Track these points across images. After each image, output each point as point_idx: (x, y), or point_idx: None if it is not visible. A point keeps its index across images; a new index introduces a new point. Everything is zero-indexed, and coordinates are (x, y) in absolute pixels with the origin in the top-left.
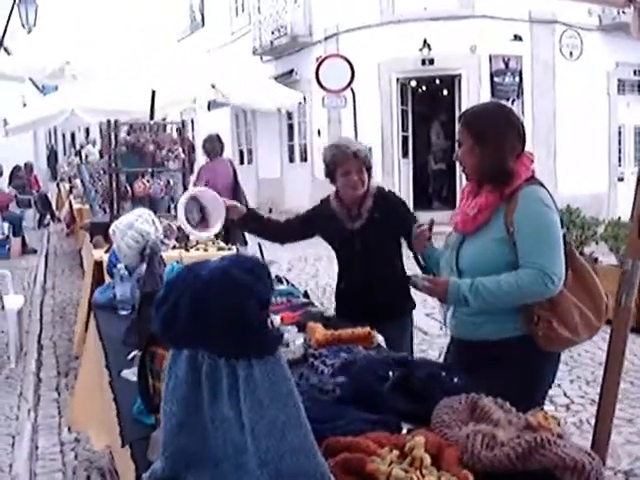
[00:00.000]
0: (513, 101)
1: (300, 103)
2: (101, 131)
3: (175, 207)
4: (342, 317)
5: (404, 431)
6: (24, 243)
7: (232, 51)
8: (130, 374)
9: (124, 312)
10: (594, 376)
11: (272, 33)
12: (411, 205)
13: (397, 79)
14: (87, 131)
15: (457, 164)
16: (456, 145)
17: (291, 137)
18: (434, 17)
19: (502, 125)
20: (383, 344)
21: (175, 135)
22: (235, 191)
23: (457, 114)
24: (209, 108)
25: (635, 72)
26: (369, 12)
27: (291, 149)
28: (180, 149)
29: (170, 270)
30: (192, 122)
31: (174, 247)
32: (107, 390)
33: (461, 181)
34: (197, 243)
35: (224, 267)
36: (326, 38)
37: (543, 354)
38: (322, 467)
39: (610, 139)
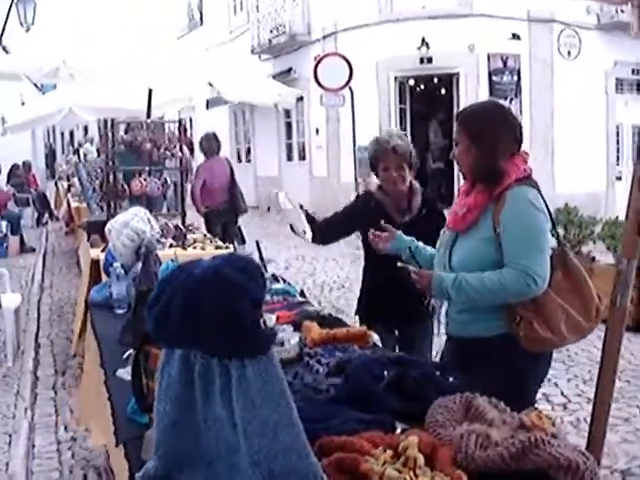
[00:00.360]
0: (511, 100)
1: (298, 100)
2: (99, 129)
3: (172, 205)
4: (366, 316)
5: (398, 431)
6: (22, 241)
7: (230, 50)
8: (125, 373)
9: (120, 311)
10: (591, 375)
11: (270, 32)
12: None
13: (395, 78)
14: (85, 129)
15: (455, 163)
16: (453, 144)
17: (289, 135)
18: (432, 16)
19: (499, 125)
20: (379, 343)
21: (175, 133)
22: (232, 190)
23: (455, 113)
24: (207, 107)
25: (633, 71)
26: (367, 11)
27: (289, 147)
28: (177, 147)
29: (165, 268)
30: (190, 121)
31: (171, 245)
32: (102, 389)
33: (459, 180)
34: (194, 242)
35: (217, 266)
36: (324, 37)
37: (528, 353)
38: (314, 467)
39: (608, 138)
